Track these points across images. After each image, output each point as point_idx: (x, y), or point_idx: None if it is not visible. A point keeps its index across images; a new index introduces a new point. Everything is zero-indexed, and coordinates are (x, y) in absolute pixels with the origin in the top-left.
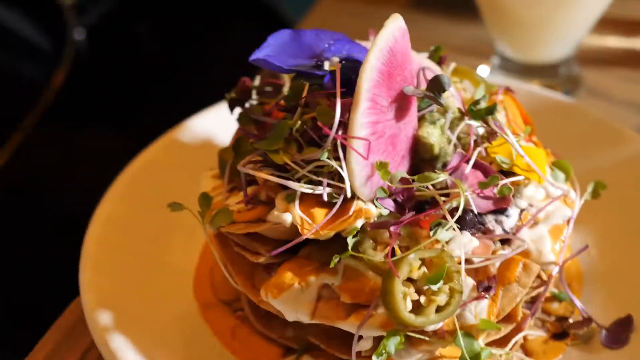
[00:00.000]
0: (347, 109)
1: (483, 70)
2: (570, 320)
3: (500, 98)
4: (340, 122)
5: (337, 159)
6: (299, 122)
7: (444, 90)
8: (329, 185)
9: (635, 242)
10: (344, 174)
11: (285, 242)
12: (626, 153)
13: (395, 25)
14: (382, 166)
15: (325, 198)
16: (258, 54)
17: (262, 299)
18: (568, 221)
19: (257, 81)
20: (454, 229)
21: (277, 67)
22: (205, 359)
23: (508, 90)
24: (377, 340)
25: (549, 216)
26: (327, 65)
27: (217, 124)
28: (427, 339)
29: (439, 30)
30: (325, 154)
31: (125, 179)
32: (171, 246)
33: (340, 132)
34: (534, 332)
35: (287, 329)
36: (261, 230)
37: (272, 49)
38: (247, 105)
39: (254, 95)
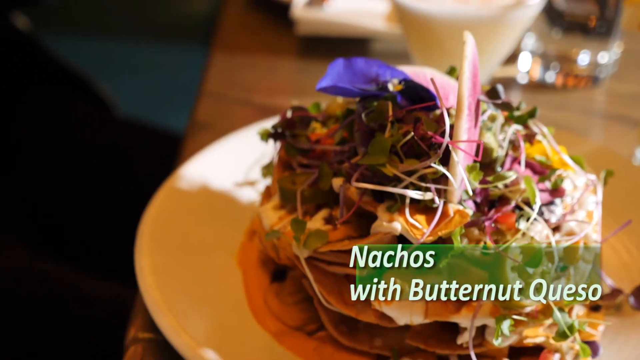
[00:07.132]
0: (442, 119)
1: None
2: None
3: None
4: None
5: (442, 164)
6: (401, 135)
7: (500, 99)
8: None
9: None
10: (451, 177)
11: None
12: None
13: (472, 40)
14: (472, 169)
15: (437, 201)
16: (325, 83)
17: (374, 308)
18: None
19: (289, 114)
20: (535, 220)
21: (348, 91)
22: None
23: None
24: (478, 330)
25: (581, 203)
26: (391, 87)
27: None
28: (525, 319)
29: None
30: (436, 161)
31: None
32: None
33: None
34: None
35: (375, 339)
36: (367, 243)
37: (331, 77)
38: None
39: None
